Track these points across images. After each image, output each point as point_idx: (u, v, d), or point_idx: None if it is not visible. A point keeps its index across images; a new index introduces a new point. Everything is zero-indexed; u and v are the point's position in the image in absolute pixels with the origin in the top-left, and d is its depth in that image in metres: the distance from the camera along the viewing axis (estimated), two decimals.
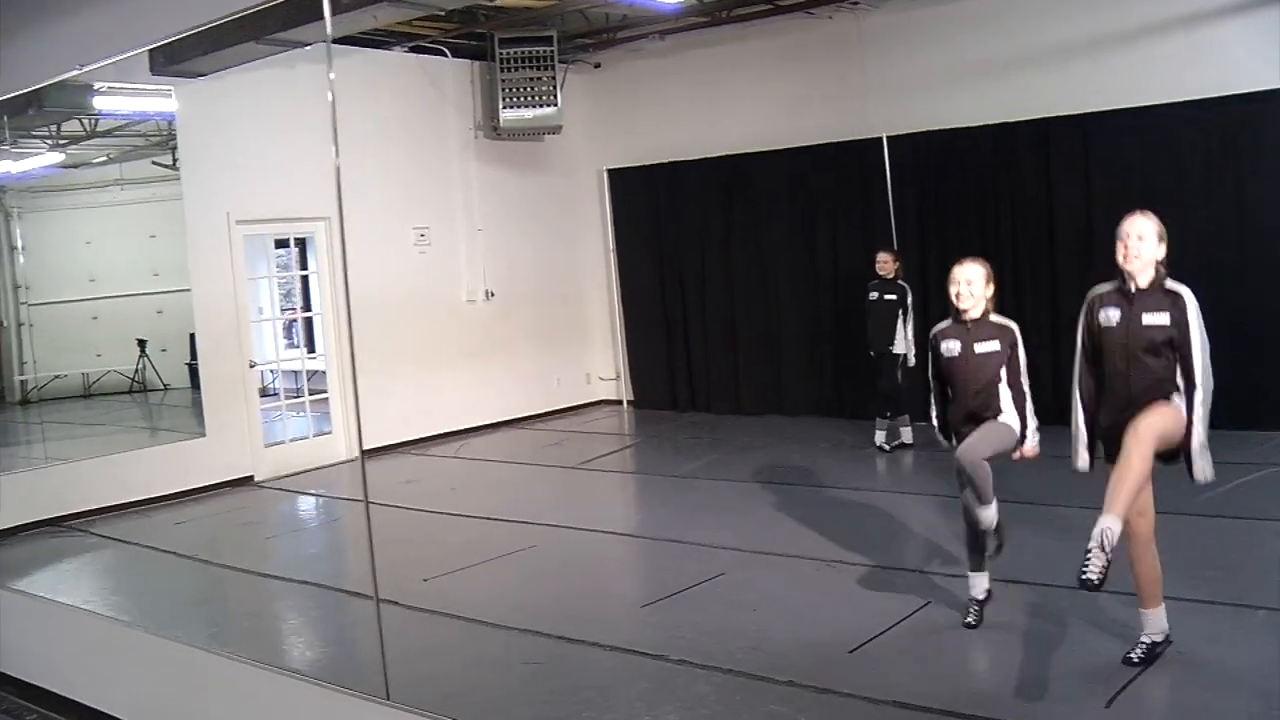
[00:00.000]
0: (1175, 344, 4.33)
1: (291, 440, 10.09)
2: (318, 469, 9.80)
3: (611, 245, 12.39)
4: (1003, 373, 4.92)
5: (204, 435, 9.35)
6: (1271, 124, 8.33)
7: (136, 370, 11.57)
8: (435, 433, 10.98)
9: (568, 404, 12.34)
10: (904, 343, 8.97)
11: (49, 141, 10.66)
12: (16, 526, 8.08)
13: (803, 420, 10.79)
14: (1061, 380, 9.25)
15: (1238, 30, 8.48)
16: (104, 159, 11.44)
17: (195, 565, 7.23)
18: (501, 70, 11.03)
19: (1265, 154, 8.41)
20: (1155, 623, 4.52)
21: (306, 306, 11.29)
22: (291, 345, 12.43)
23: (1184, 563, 5.25)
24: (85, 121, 10.30)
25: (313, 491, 9.25)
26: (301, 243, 10.94)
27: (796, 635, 5.11)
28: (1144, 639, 4.51)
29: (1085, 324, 4.57)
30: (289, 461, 9.79)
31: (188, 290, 9.40)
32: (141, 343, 11.46)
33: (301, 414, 10.59)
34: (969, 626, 5.04)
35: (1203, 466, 4.35)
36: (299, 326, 12.31)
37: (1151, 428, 4.22)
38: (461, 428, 11.22)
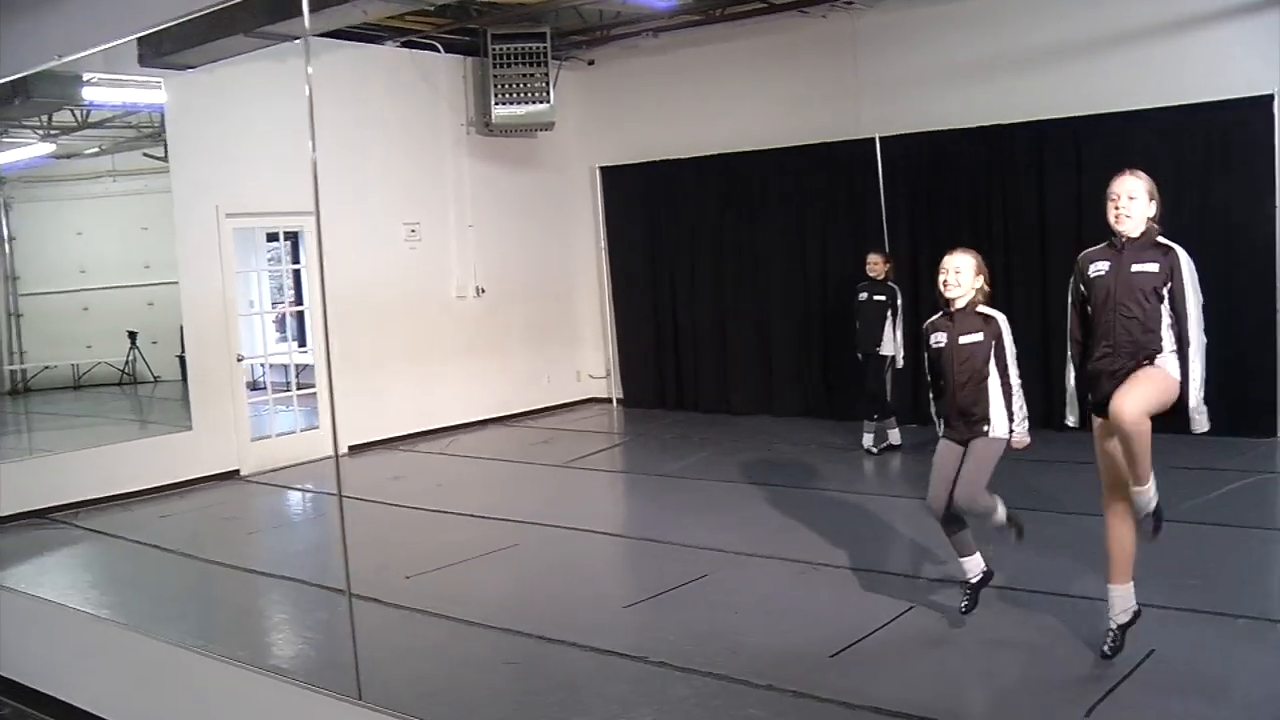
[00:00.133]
0: (1168, 297, 4.26)
1: (278, 435, 10.05)
2: (304, 464, 9.75)
3: (603, 243, 12.37)
4: (991, 366, 4.87)
5: (190, 429, 9.31)
6: (1262, 130, 8.33)
7: (127, 362, 11.53)
8: (424, 429, 10.96)
9: (557, 401, 12.32)
10: (892, 344, 8.95)
11: (40, 132, 10.62)
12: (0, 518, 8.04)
13: (792, 421, 10.77)
14: (1052, 383, 9.25)
15: (1230, 35, 8.49)
16: (96, 150, 11.39)
17: (177, 559, 7.20)
18: (494, 66, 10.99)
19: (1255, 160, 8.41)
20: (1120, 602, 4.48)
21: (299, 300, 11.24)
22: (283, 339, 12.38)
23: (1165, 570, 5.24)
24: (76, 112, 10.26)
25: (298, 487, 9.21)
26: (294, 236, 10.90)
27: (778, 638, 5.08)
28: (1112, 624, 4.50)
29: (1075, 282, 4.53)
30: (275, 456, 9.75)
31: (178, 282, 9.37)
32: (132, 335, 11.42)
33: (289, 408, 10.56)
34: (961, 613, 5.02)
35: (1200, 421, 4.29)
36: (289, 321, 12.27)
37: (1137, 405, 4.14)
38: (451, 424, 11.19)
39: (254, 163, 9.44)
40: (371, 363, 10.47)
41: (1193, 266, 4.28)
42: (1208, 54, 8.54)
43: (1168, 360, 4.27)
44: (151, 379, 11.47)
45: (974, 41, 9.71)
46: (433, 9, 9.69)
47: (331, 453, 10.16)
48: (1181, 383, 4.25)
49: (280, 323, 12.41)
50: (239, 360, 9.66)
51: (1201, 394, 4.27)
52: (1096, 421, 4.48)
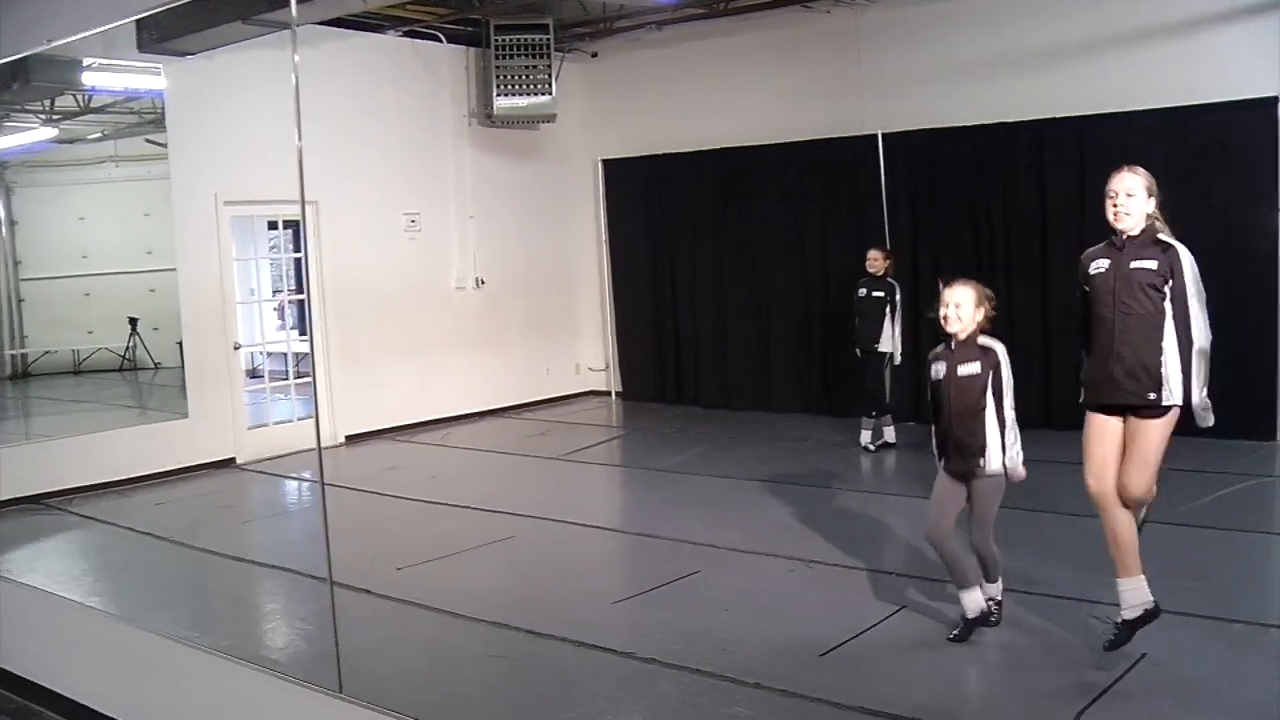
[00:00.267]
0: (1169, 294, 4.22)
1: (275, 423, 10.02)
2: (300, 453, 9.72)
3: (604, 236, 12.33)
4: (988, 397, 4.80)
5: (187, 416, 9.29)
6: (1264, 131, 8.28)
7: (127, 348, 11.54)
8: (422, 420, 10.93)
9: (556, 394, 12.30)
10: (891, 340, 8.91)
11: (42, 116, 10.60)
12: None
13: (790, 417, 10.74)
14: (1050, 383, 9.24)
15: (1233, 36, 8.43)
16: (98, 135, 11.38)
17: (171, 547, 7.18)
18: (497, 57, 10.95)
19: (1257, 162, 8.36)
20: (1129, 596, 4.41)
21: (299, 289, 11.22)
22: (285, 327, 12.36)
23: (1161, 573, 5.19)
24: (79, 97, 10.23)
25: (293, 475, 9.19)
26: (294, 225, 10.88)
27: (767, 636, 5.05)
28: (1118, 618, 4.44)
29: (1079, 281, 4.50)
30: (272, 444, 9.72)
31: (176, 270, 9.33)
32: (133, 321, 11.43)
33: (287, 397, 10.54)
34: (952, 640, 4.92)
35: (1205, 417, 4.26)
36: (290, 309, 12.24)
37: (1144, 481, 4.27)
38: (448, 415, 11.16)
39: (253, 150, 9.40)
40: (370, 353, 10.45)
41: (1194, 264, 4.24)
42: (1211, 55, 8.49)
43: (1170, 378, 4.22)
44: (152, 365, 11.47)
45: (977, 39, 9.66)
46: None
47: (328, 442, 10.17)
48: (1184, 381, 4.21)
49: (281, 311, 12.39)
50: (236, 348, 9.63)
51: (1205, 391, 4.23)
52: (1089, 418, 4.43)
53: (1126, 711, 4.21)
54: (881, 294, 8.92)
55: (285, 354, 11.14)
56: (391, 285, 10.65)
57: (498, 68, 10.97)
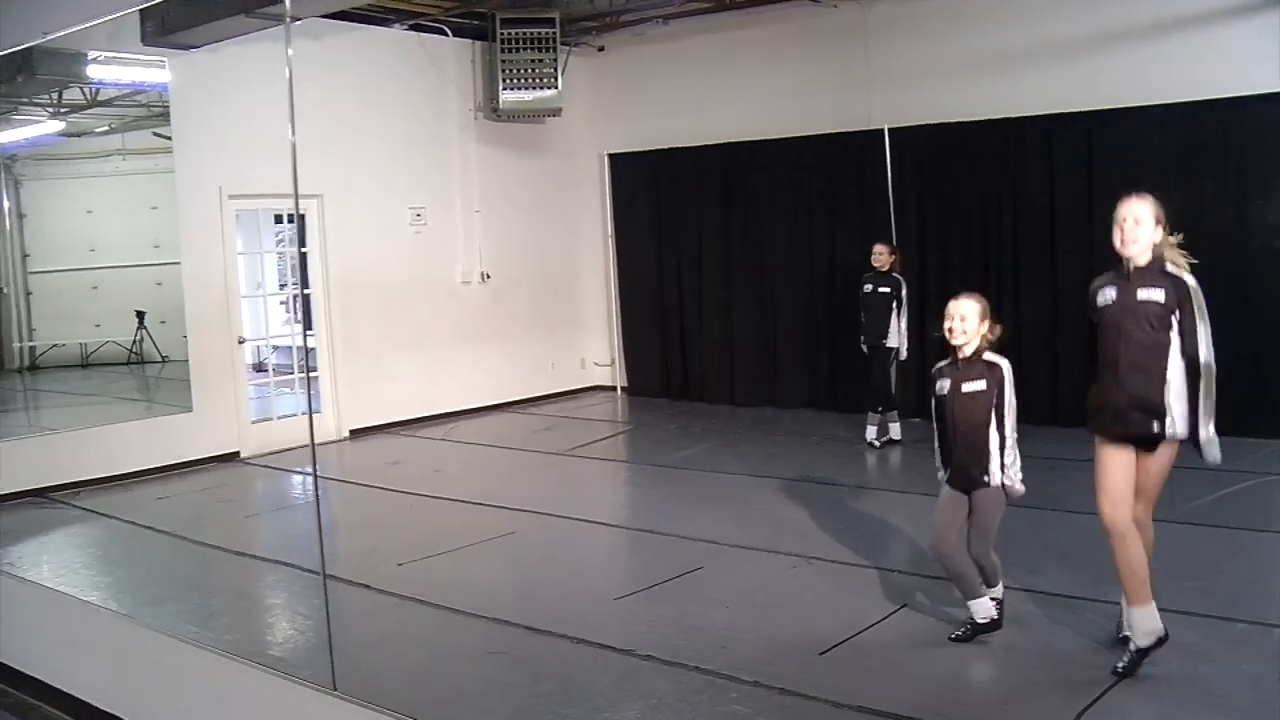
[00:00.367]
0: (1175, 327, 4.21)
1: (279, 417, 10.02)
2: (305, 447, 9.71)
3: (610, 231, 12.30)
4: (991, 414, 4.75)
5: (191, 410, 9.30)
6: (1274, 126, 8.21)
7: (135, 341, 11.54)
8: (427, 414, 10.92)
9: (561, 389, 12.28)
10: (897, 336, 8.87)
11: (49, 109, 10.60)
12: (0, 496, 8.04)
13: (796, 413, 10.71)
14: (1057, 379, 9.19)
15: (1243, 31, 8.36)
16: (105, 128, 11.38)
17: (172, 542, 7.18)
18: (503, 51, 10.92)
19: (1268, 158, 8.29)
20: (1140, 624, 4.38)
21: (305, 283, 11.21)
22: (293, 321, 12.36)
23: (1165, 572, 5.15)
24: (86, 90, 10.24)
25: (297, 470, 9.18)
26: (299, 219, 10.86)
27: (768, 634, 5.03)
28: (1131, 646, 4.40)
29: (1089, 310, 4.49)
30: (276, 439, 9.71)
31: (180, 263, 9.33)
32: (140, 314, 11.43)
33: (292, 391, 10.53)
34: (953, 640, 4.90)
35: (1212, 452, 4.26)
36: (296, 302, 12.24)
37: (1151, 506, 4.39)
38: (453, 410, 11.15)
39: (257, 144, 9.36)
40: (374, 347, 10.45)
41: (1201, 294, 4.23)
42: (1221, 50, 8.42)
43: (1174, 411, 4.23)
44: (159, 359, 11.48)
45: (984, 34, 9.60)
46: None
47: (332, 436, 10.18)
48: (1191, 415, 4.22)
49: (290, 305, 12.39)
50: (240, 342, 9.63)
51: (1212, 424, 4.24)
52: (1100, 447, 4.40)
53: (1127, 712, 4.18)
54: (888, 290, 8.87)
55: (290, 348, 11.14)
56: (397, 279, 10.64)
57: (503, 61, 10.95)
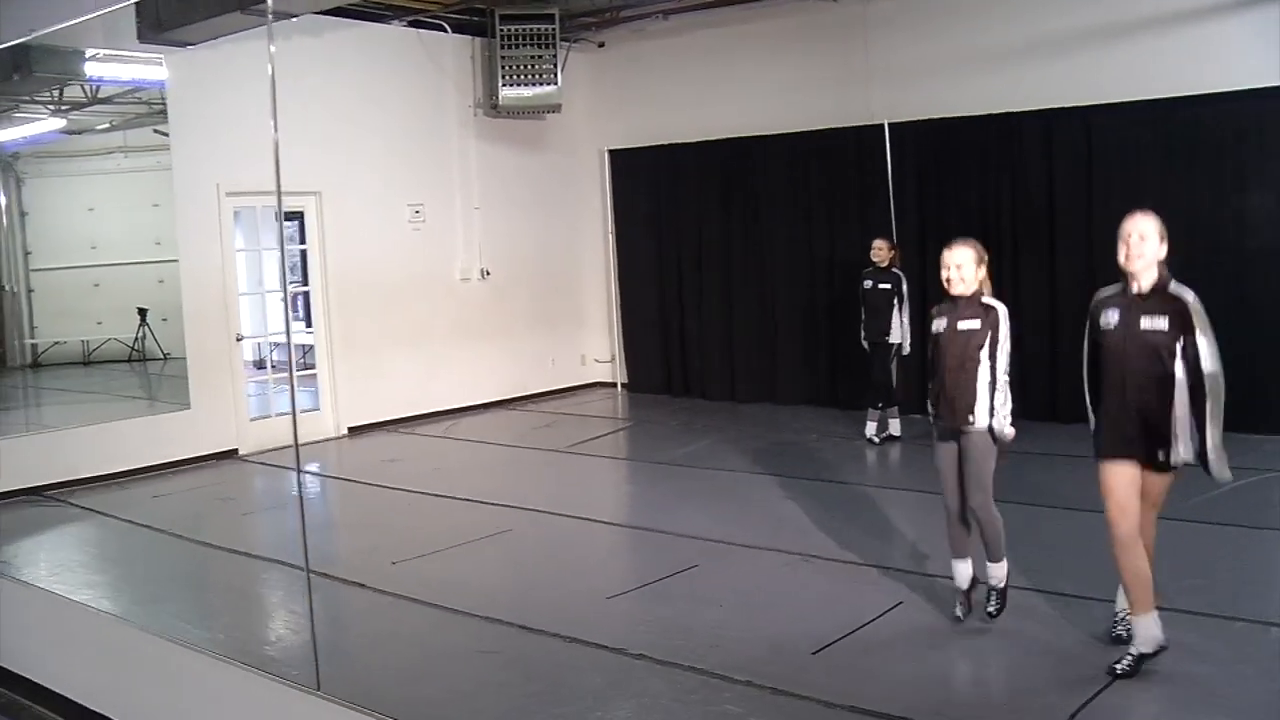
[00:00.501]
0: (1180, 354, 4.20)
1: (277, 415, 9.99)
2: (302, 445, 9.69)
3: (610, 227, 12.26)
4: (983, 354, 4.78)
5: (189, 408, 9.28)
6: (1274, 121, 8.16)
7: (136, 339, 11.52)
8: (426, 411, 10.90)
9: (561, 385, 12.25)
10: (899, 332, 8.83)
11: (50, 107, 10.59)
12: None
13: (796, 409, 10.68)
14: (1057, 374, 9.13)
15: (1243, 26, 8.31)
16: (106, 126, 11.37)
17: (168, 540, 7.16)
18: (502, 47, 10.89)
19: (1268, 152, 8.24)
20: (1144, 631, 4.35)
21: (304, 281, 11.19)
22: (296, 318, 12.34)
23: (1166, 570, 5.11)
24: (86, 88, 10.22)
25: (294, 468, 9.14)
26: (299, 216, 10.83)
27: (761, 633, 4.99)
28: (1132, 650, 4.36)
29: (1089, 327, 4.49)
30: (274, 436, 9.69)
31: (178, 261, 9.31)
32: (142, 311, 11.41)
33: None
34: (957, 620, 4.93)
35: (1220, 469, 4.24)
36: (299, 300, 12.21)
37: (1150, 528, 4.37)
38: (453, 407, 11.13)
39: (254, 141, 9.31)
40: (374, 344, 10.42)
41: (1205, 314, 4.20)
42: (1221, 44, 8.38)
43: (1180, 438, 4.24)
44: (161, 356, 11.46)
45: (984, 30, 9.56)
46: None
47: (330, 434, 10.17)
48: (1198, 433, 4.21)
49: (293, 302, 12.36)
50: (238, 340, 9.61)
51: (1219, 440, 4.21)
52: (1104, 467, 4.36)
53: (1126, 711, 4.14)
54: (887, 285, 8.83)
55: (289, 345, 11.10)
56: (396, 276, 10.62)
57: (503, 58, 10.91)
